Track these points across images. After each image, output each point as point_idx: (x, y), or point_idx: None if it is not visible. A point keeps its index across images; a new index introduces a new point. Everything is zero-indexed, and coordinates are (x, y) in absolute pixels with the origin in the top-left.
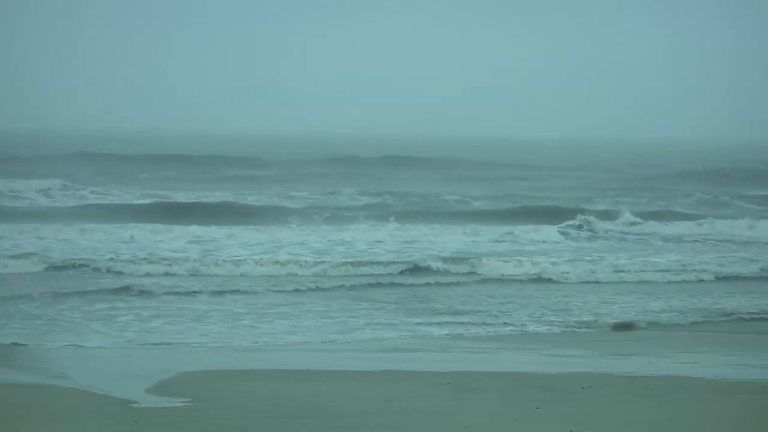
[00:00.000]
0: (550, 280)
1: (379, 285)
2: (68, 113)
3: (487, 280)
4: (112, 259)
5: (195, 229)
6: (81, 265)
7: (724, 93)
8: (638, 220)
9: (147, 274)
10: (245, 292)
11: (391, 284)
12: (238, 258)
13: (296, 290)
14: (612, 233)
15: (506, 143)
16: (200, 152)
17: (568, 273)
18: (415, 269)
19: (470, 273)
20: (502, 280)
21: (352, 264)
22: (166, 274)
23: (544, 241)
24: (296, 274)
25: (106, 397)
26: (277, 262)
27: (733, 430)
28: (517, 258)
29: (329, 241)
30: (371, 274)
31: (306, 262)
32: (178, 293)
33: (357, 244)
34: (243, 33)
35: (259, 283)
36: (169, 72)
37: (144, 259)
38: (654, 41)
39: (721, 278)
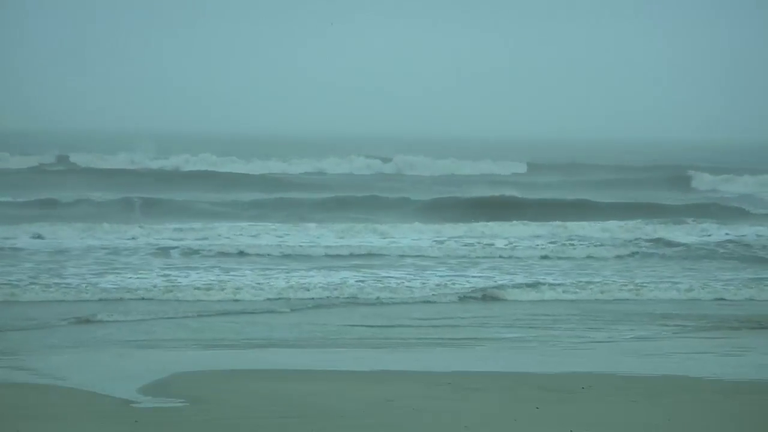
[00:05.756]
0: None
1: None
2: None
3: None
4: None
5: None
6: None
7: (722, 94)
8: None
9: None
10: None
11: None
12: None
13: None
14: None
15: (523, 143)
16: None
17: None
18: None
19: None
20: None
21: None
22: None
23: None
24: None
25: (106, 397)
26: None
27: (733, 430)
28: None
29: None
30: None
31: None
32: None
33: None
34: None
35: None
36: (165, 72)
37: None
38: (652, 41)
39: None
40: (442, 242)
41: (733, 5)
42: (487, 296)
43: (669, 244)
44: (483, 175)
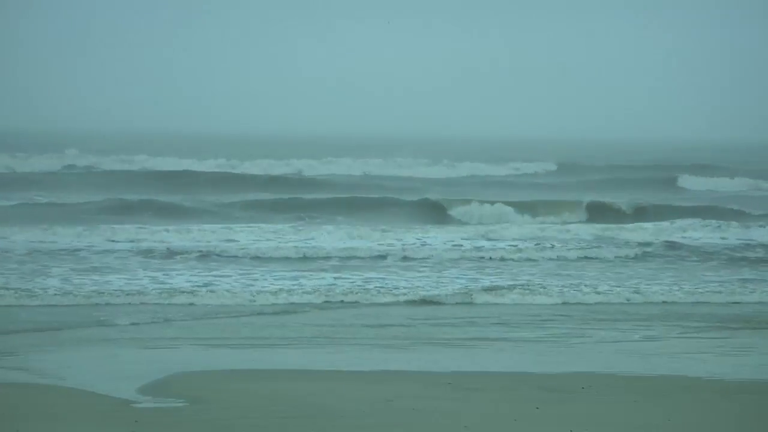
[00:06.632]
0: None
1: None
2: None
3: None
4: None
5: None
6: None
7: (721, 94)
8: None
9: None
10: None
11: None
12: None
13: None
14: None
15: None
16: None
17: None
18: None
19: None
20: None
21: None
22: None
23: None
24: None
25: (106, 397)
26: None
27: (733, 430)
28: None
29: None
30: None
31: None
32: None
33: None
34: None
35: None
36: (166, 71)
37: None
38: (651, 41)
39: None
40: (447, 244)
41: (734, 5)
42: (486, 297)
43: (672, 245)
44: (485, 176)
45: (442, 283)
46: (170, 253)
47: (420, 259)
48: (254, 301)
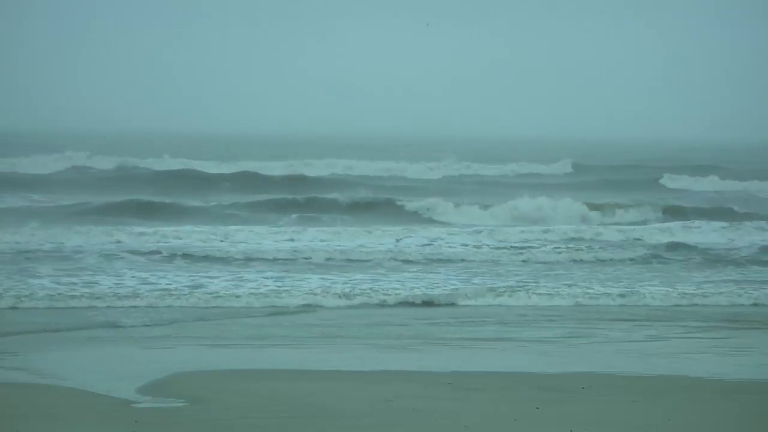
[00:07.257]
0: None
1: None
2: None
3: None
4: None
5: None
6: None
7: (720, 94)
8: None
9: None
10: None
11: None
12: None
13: None
14: None
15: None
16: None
17: None
18: None
19: None
20: None
21: None
22: None
23: None
24: None
25: (106, 397)
26: None
27: (733, 430)
28: None
29: None
30: None
31: None
32: None
33: None
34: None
35: None
36: (167, 71)
37: None
38: (651, 41)
39: None
40: (446, 243)
41: (734, 5)
42: (486, 297)
43: (672, 245)
44: (486, 177)
45: (440, 284)
46: (169, 254)
47: (419, 259)
48: (254, 301)
